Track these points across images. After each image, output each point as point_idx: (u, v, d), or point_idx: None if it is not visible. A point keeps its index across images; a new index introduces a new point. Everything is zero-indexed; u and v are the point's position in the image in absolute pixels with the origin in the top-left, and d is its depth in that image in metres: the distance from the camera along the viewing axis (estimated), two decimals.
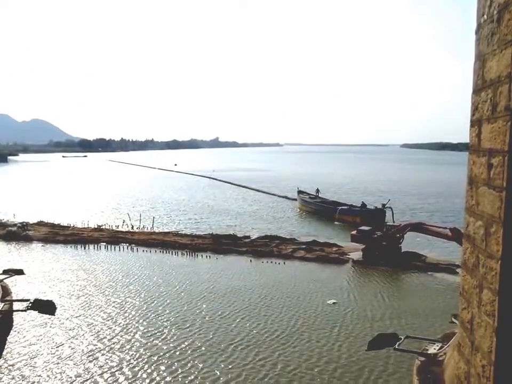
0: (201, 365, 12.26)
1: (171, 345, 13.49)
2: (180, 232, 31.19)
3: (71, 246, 27.78)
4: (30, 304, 7.96)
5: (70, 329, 14.60)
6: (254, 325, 15.14)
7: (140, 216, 35.02)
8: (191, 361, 12.48)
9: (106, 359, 12.60)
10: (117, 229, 32.72)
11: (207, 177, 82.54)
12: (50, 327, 14.67)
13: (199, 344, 13.51)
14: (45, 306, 8.21)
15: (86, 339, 13.93)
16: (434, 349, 4.87)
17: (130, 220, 34.46)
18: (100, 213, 40.88)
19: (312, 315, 16.14)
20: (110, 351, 13.07)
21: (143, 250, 26.79)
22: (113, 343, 13.60)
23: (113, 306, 16.93)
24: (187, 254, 26.01)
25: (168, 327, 14.84)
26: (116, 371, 11.92)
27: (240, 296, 18.21)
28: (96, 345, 13.49)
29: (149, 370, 11.97)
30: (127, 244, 28.20)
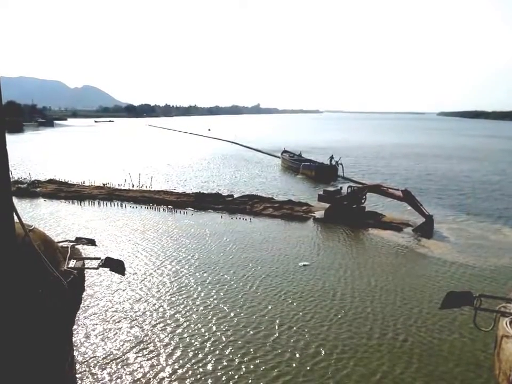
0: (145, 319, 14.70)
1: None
2: (171, 191, 33.84)
3: (69, 202, 31.21)
4: (102, 262, 7.90)
5: None
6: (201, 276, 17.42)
7: (139, 176, 37.91)
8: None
9: None
10: (118, 187, 35.86)
11: (232, 142, 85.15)
12: None
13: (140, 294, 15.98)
14: (116, 265, 8.06)
15: None
16: None
17: (131, 179, 37.47)
18: (110, 173, 44.13)
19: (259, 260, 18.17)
20: None
21: (131, 206, 29.71)
22: None
23: None
24: (168, 210, 28.59)
25: None
26: None
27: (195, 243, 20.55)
28: None
29: None
30: (120, 201, 31.21)
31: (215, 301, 14.44)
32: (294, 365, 10.89)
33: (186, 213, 27.78)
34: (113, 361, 10.99)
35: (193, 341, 11.96)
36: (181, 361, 11.03)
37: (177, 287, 15.62)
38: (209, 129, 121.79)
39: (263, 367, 10.78)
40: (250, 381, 10.30)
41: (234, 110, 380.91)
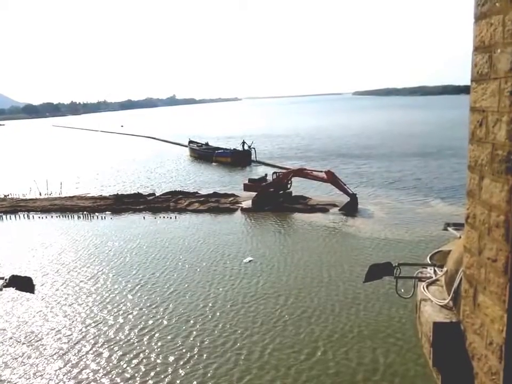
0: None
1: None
2: (85, 195, 32.63)
3: None
4: (6, 282, 7.12)
5: None
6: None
7: (47, 183, 35.95)
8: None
9: None
10: (23, 198, 33.74)
11: (145, 136, 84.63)
12: None
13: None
14: (23, 283, 7.48)
15: None
16: (429, 272, 5.50)
17: (37, 186, 35.49)
18: (10, 183, 41.04)
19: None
20: None
21: (39, 217, 28.19)
22: None
23: None
24: (83, 217, 27.52)
25: None
26: None
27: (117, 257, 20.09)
28: None
29: None
30: (26, 212, 29.45)
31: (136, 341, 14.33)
32: None
33: (105, 217, 26.95)
34: None
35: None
36: None
37: (84, 304, 15.26)
38: (122, 126, 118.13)
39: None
40: None
41: (149, 103, 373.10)
